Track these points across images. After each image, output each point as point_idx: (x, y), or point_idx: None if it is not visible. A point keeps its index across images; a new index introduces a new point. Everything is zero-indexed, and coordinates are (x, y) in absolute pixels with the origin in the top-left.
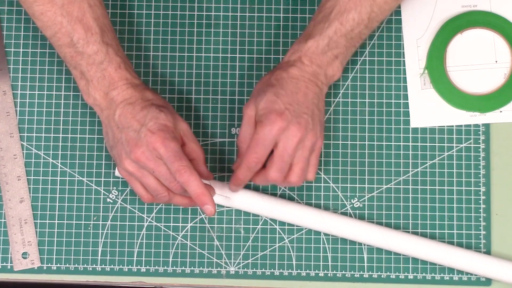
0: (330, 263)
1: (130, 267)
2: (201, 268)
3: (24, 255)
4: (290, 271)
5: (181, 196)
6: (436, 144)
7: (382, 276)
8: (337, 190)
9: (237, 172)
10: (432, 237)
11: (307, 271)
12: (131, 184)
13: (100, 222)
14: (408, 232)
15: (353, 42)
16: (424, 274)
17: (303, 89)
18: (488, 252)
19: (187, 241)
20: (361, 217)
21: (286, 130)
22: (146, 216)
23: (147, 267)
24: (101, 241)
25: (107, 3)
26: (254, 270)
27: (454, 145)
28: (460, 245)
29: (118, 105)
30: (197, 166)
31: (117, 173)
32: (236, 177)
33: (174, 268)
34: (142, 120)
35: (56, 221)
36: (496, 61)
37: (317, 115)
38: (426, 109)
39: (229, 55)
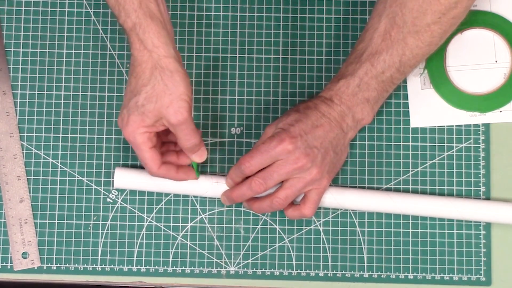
0: (330, 263)
1: (130, 267)
2: (201, 268)
3: (24, 255)
4: (290, 271)
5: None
6: (436, 144)
7: (382, 276)
8: None
9: (230, 170)
10: (432, 236)
11: (307, 271)
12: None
13: (100, 222)
14: (408, 231)
15: (385, 86)
16: (424, 274)
17: (325, 126)
18: (488, 249)
19: (187, 241)
20: (361, 217)
21: (290, 153)
22: (146, 216)
23: (147, 267)
24: (101, 241)
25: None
26: (254, 270)
27: (454, 145)
28: (460, 245)
29: (130, 67)
30: (187, 154)
31: None
32: (229, 174)
33: (174, 268)
34: (127, 102)
35: (56, 221)
36: (496, 61)
37: (330, 155)
38: (426, 109)
39: (229, 55)
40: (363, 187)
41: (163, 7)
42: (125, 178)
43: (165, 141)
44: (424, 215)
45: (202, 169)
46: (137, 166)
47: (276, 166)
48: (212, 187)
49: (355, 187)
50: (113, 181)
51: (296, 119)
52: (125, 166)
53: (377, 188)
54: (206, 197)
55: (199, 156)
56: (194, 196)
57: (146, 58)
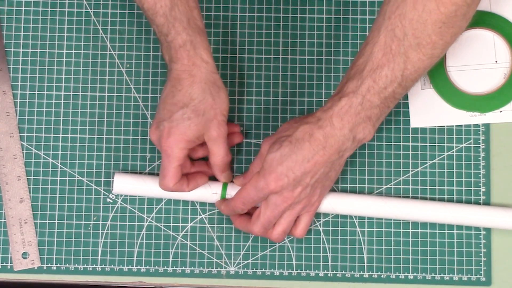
0: (330, 263)
1: (130, 267)
2: (201, 268)
3: (24, 255)
4: (290, 271)
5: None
6: (436, 144)
7: (382, 276)
8: (337, 191)
9: (223, 208)
10: (432, 236)
11: (307, 271)
12: None
13: (100, 222)
14: (408, 232)
15: (387, 102)
16: (424, 274)
17: (317, 158)
18: (488, 249)
19: (187, 241)
20: (361, 218)
21: (278, 194)
22: (146, 216)
23: (147, 267)
24: (101, 241)
25: (107, 4)
26: (254, 270)
27: (454, 145)
28: (460, 245)
29: (170, 81)
30: (214, 171)
31: None
32: (220, 209)
33: (174, 268)
34: (169, 114)
35: (56, 221)
36: (496, 61)
37: (320, 182)
38: (426, 109)
39: (229, 55)
40: (363, 187)
41: (203, 22)
42: (125, 184)
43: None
44: (421, 221)
45: None
46: (137, 169)
47: (269, 211)
48: (210, 197)
49: (355, 187)
50: (112, 181)
51: (285, 154)
52: (125, 167)
53: (377, 189)
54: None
55: (228, 177)
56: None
57: (195, 73)
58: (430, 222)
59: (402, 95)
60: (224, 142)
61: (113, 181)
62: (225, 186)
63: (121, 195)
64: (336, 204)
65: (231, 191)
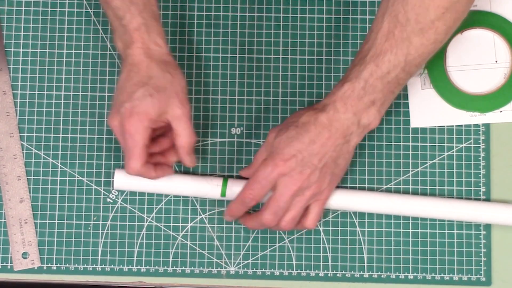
0: (330, 263)
1: (130, 267)
2: (201, 268)
3: (24, 255)
4: (290, 271)
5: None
6: (436, 144)
7: (382, 276)
8: None
9: (231, 204)
10: (432, 236)
11: (307, 271)
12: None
13: (100, 222)
14: (408, 231)
15: (391, 87)
16: (424, 274)
17: (323, 140)
18: (488, 249)
19: (187, 241)
20: (361, 217)
21: (287, 176)
22: (146, 216)
23: (147, 267)
24: (101, 241)
25: None
26: (254, 270)
27: (454, 145)
28: (460, 245)
29: (126, 67)
30: (179, 154)
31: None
32: (230, 208)
33: (174, 268)
34: (129, 95)
35: (56, 221)
36: (496, 61)
37: (329, 167)
38: (426, 109)
39: (229, 55)
40: (363, 187)
41: (159, 9)
42: (125, 180)
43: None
44: (422, 216)
45: (202, 170)
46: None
47: (278, 195)
48: (212, 190)
49: (355, 187)
50: (113, 181)
51: (292, 137)
52: None
53: (377, 189)
54: (206, 198)
55: (193, 160)
56: (194, 196)
57: (151, 54)
58: (432, 217)
59: (406, 81)
60: (188, 121)
61: (113, 179)
62: (225, 180)
63: (121, 195)
64: (338, 199)
65: (232, 186)
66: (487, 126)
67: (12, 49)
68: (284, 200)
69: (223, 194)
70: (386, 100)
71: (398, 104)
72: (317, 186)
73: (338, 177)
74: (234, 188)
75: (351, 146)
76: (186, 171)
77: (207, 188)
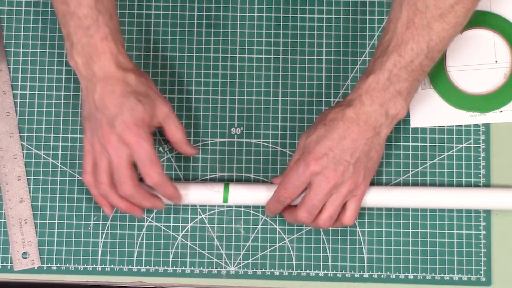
0: (330, 263)
1: (130, 267)
2: (201, 268)
3: (24, 255)
4: (290, 271)
5: (119, 198)
6: (436, 144)
7: (382, 276)
8: None
9: (269, 202)
10: (432, 236)
11: (307, 271)
12: (84, 156)
13: (100, 222)
14: (408, 231)
15: (415, 75)
16: (424, 274)
17: (353, 135)
18: (488, 249)
19: (187, 241)
20: (361, 217)
21: (320, 175)
22: (146, 216)
23: (147, 267)
24: (101, 241)
25: None
26: (254, 270)
27: (454, 145)
28: (460, 245)
29: (99, 82)
30: (179, 148)
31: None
32: (268, 206)
33: (174, 268)
34: (118, 108)
35: (56, 221)
36: (496, 61)
37: (362, 162)
38: (426, 109)
39: (229, 55)
40: None
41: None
42: None
43: None
44: (422, 206)
45: (202, 170)
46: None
47: (313, 193)
48: (214, 197)
49: None
50: None
51: (321, 135)
52: None
53: None
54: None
55: (194, 148)
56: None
57: (120, 64)
58: (431, 206)
59: (430, 67)
60: (175, 116)
61: None
62: (226, 186)
63: None
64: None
65: (234, 191)
66: (487, 126)
67: (12, 49)
68: (318, 198)
69: (225, 200)
70: (412, 88)
71: None
72: (352, 182)
73: (372, 170)
74: (236, 193)
75: (381, 138)
76: (186, 178)
77: (209, 195)
